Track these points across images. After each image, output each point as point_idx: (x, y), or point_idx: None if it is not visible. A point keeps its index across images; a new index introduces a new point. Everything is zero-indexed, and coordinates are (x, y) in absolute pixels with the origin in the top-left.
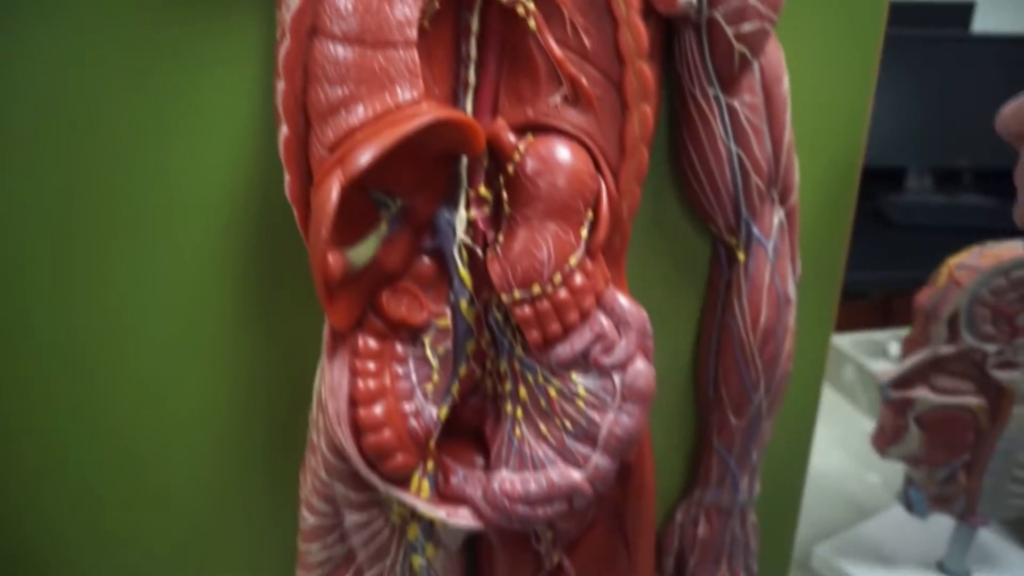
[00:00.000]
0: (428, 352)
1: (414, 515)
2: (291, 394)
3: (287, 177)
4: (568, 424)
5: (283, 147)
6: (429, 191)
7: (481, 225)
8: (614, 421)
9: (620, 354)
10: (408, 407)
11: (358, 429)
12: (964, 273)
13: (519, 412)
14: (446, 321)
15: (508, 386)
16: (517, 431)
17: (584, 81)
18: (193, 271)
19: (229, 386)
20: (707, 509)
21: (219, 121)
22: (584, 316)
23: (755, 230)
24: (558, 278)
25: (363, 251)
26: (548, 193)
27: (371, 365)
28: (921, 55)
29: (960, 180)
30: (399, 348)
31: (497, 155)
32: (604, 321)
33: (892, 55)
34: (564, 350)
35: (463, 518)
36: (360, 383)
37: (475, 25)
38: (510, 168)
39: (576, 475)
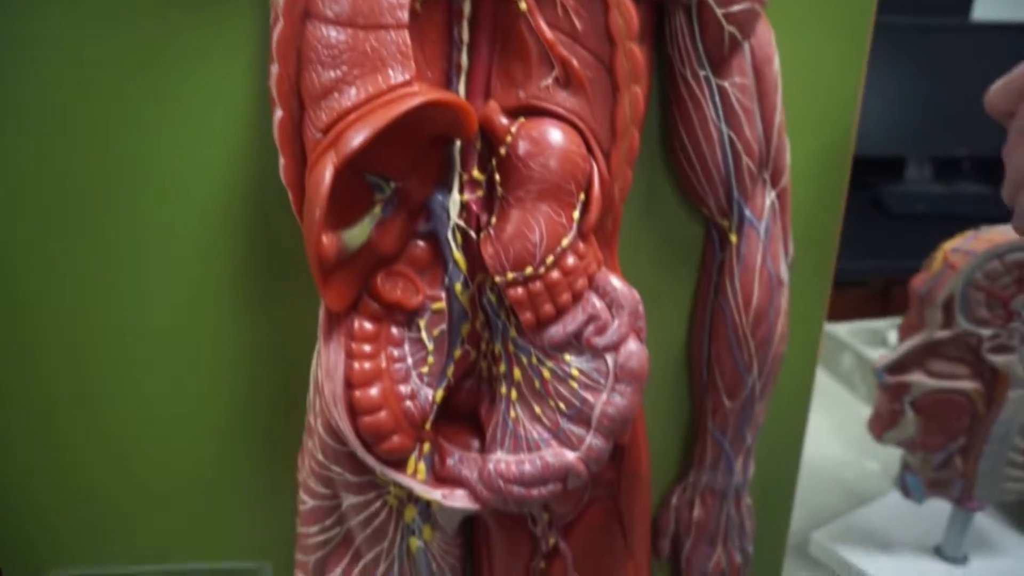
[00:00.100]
0: (423, 334)
1: (411, 497)
2: (288, 377)
3: (282, 160)
4: (562, 405)
5: (278, 130)
6: (423, 174)
7: (475, 208)
8: (607, 401)
9: (613, 335)
10: (404, 389)
11: (354, 411)
12: (959, 257)
13: (513, 394)
14: (441, 304)
15: (502, 367)
16: (512, 413)
17: (575, 63)
18: (190, 256)
19: (227, 370)
20: (702, 491)
21: (214, 108)
22: (577, 297)
23: (747, 212)
24: (550, 259)
25: (357, 233)
26: (540, 175)
27: (367, 347)
28: (921, 43)
29: (960, 169)
30: (394, 330)
31: (489, 138)
32: (597, 302)
33: (892, 43)
34: (557, 331)
35: (459, 499)
36: (356, 365)
37: (467, 8)
38: (502, 150)
39: (570, 455)
